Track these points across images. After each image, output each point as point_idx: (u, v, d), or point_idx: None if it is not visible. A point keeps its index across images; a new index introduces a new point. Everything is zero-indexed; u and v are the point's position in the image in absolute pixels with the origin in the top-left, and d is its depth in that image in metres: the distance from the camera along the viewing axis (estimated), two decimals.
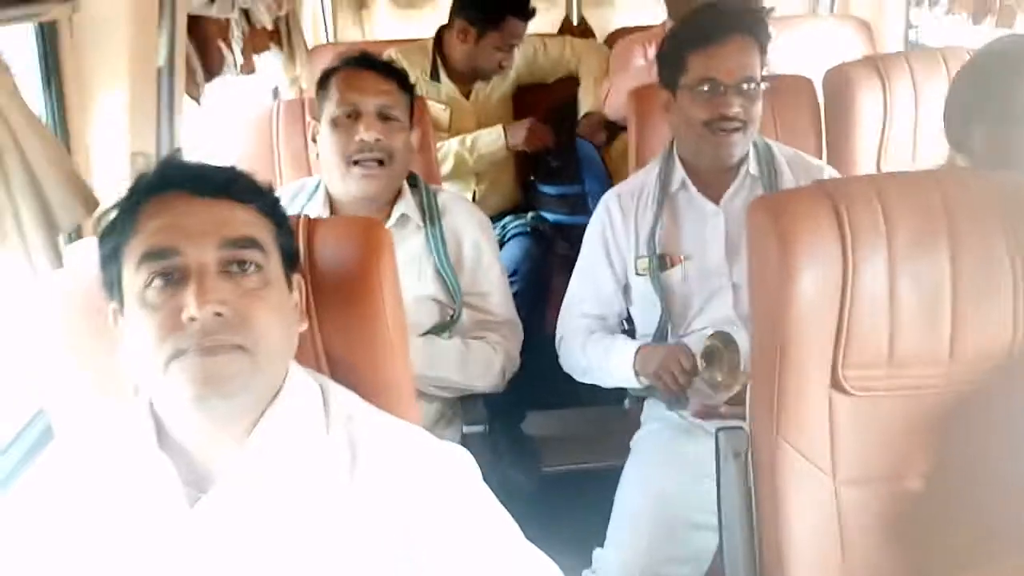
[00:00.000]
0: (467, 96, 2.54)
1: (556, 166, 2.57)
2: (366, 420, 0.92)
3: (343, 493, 0.86)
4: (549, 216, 2.50)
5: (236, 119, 1.99)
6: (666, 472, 1.53)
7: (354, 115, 1.53)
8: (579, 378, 1.73)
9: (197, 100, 1.67)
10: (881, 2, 2.68)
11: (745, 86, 1.53)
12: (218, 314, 0.80)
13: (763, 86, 1.56)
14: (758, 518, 1.17)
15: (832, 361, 1.11)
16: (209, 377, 0.79)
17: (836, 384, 1.12)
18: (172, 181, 0.86)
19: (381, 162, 1.53)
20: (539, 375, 1.81)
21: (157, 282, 0.81)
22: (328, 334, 1.04)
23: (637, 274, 1.65)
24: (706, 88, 1.54)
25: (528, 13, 2.47)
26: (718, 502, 1.24)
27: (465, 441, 1.67)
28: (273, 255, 0.88)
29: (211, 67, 1.73)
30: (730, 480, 1.19)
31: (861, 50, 2.61)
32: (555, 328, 1.78)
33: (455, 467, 0.91)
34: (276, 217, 0.91)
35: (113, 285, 0.86)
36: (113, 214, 0.87)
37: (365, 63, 1.59)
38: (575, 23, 3.35)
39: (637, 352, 1.58)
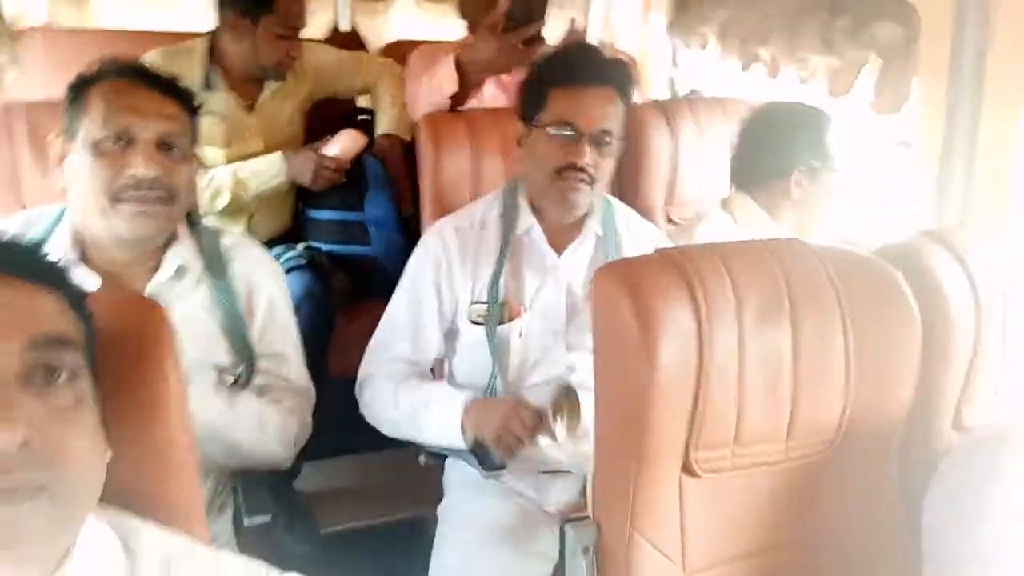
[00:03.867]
0: (250, 108, 2.21)
1: (339, 185, 2.31)
2: (191, 561, 0.72)
3: None
4: (322, 246, 2.25)
5: None
6: (485, 546, 1.40)
7: (125, 141, 1.23)
8: (386, 432, 1.55)
9: None
10: (645, 40, 2.78)
11: (602, 138, 1.45)
12: (26, 444, 0.58)
13: (615, 143, 1.49)
14: None
15: (685, 443, 1.04)
16: (3, 538, 0.57)
17: (687, 468, 1.05)
18: None
19: (160, 199, 1.24)
20: (315, 423, 1.59)
21: None
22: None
23: (471, 321, 1.49)
24: (562, 131, 1.44)
25: None
26: None
27: (244, 534, 1.41)
28: (86, 360, 0.67)
29: None
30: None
31: None
32: (337, 370, 1.58)
33: None
34: (83, 309, 0.69)
35: None
36: None
37: (142, 75, 1.28)
38: (344, 31, 3.07)
39: (467, 408, 1.43)
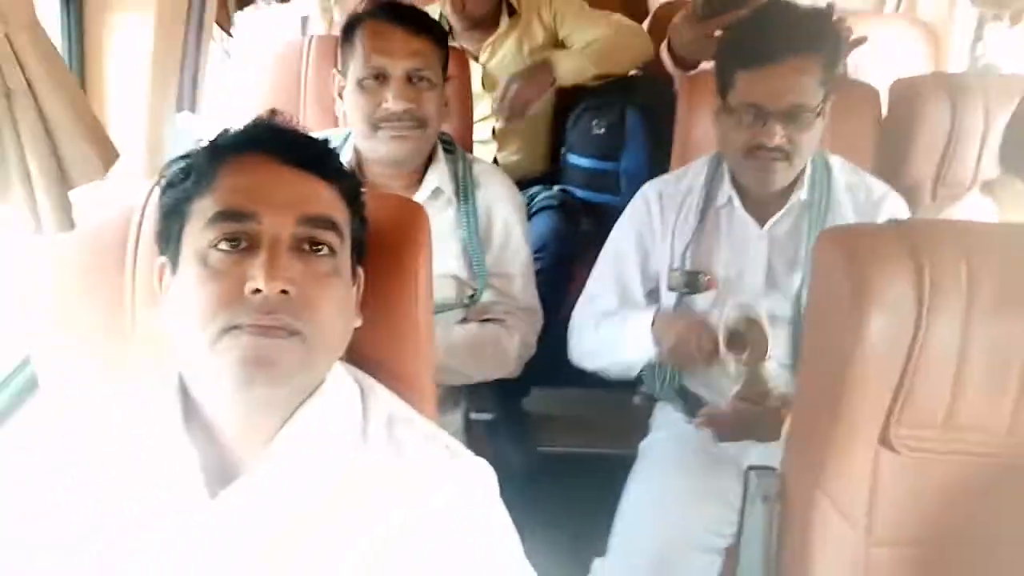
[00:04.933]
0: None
1: (599, 134, 2.42)
2: (409, 425, 0.86)
3: (372, 499, 0.80)
4: (576, 191, 2.39)
5: (263, 53, 1.86)
6: (673, 488, 1.45)
7: (381, 78, 1.40)
8: (588, 367, 1.62)
9: (227, 31, 1.54)
10: (951, 8, 2.54)
11: (794, 113, 1.35)
12: (284, 292, 0.73)
13: (821, 110, 1.38)
14: (780, 566, 1.11)
15: (886, 416, 1.03)
16: (260, 359, 0.73)
17: (885, 440, 1.04)
18: (260, 143, 0.80)
19: (411, 126, 1.42)
20: (548, 353, 1.73)
21: (224, 245, 0.75)
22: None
23: (669, 288, 1.53)
24: (749, 113, 1.37)
25: None
26: (737, 541, 1.18)
27: (470, 427, 1.61)
28: (347, 242, 0.82)
29: None
30: (755, 523, 1.13)
31: (924, 55, 2.49)
32: (572, 310, 1.68)
33: (479, 485, 0.86)
34: (355, 203, 0.85)
35: (170, 240, 0.80)
36: (183, 163, 0.81)
37: (393, 15, 1.43)
38: None
39: (655, 318, 1.47)
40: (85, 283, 0.93)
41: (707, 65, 2.04)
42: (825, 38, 1.38)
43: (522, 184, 2.31)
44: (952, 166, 1.85)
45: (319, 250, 0.78)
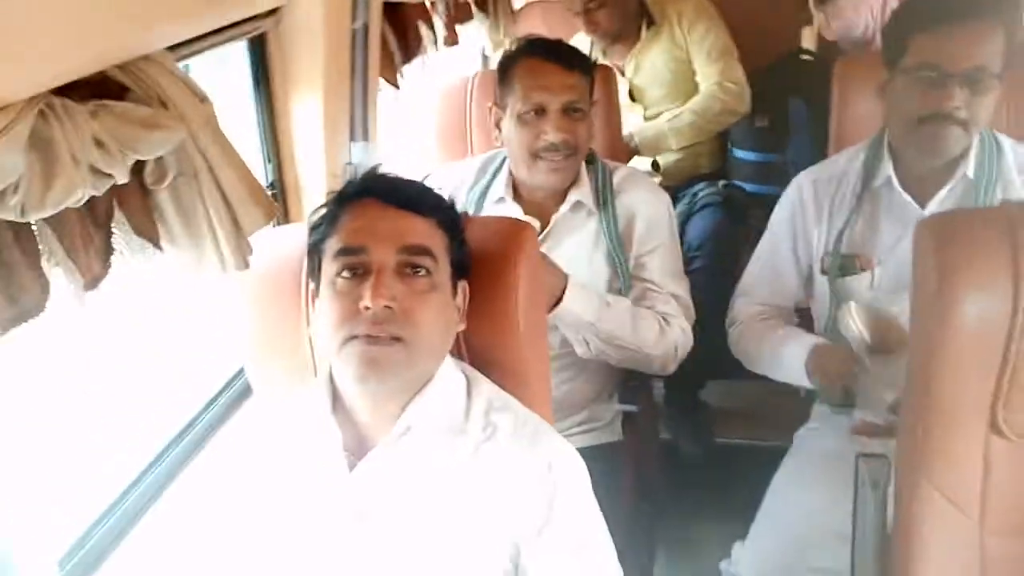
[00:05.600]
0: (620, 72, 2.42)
1: (761, 128, 2.43)
2: (504, 411, 1.02)
3: (471, 473, 0.98)
4: (745, 185, 2.40)
5: (434, 91, 2.12)
6: (819, 478, 1.47)
7: (539, 111, 1.54)
8: (748, 367, 1.68)
9: (395, 84, 1.80)
10: None
11: (975, 76, 1.32)
12: (388, 307, 0.93)
13: (1000, 77, 1.33)
14: (892, 553, 1.12)
15: (992, 403, 1.01)
16: (371, 361, 0.93)
17: (995, 427, 1.02)
18: (370, 190, 1.01)
19: (567, 156, 1.55)
20: (723, 346, 1.78)
21: (346, 273, 0.96)
22: (471, 328, 1.12)
23: (822, 272, 1.54)
24: (926, 75, 1.34)
25: None
26: (852, 529, 1.19)
27: (621, 420, 1.73)
28: (443, 262, 1.00)
29: (410, 49, 1.85)
30: (866, 510, 1.15)
31: None
32: None
33: (569, 473, 0.99)
34: (451, 230, 1.03)
35: (314, 270, 1.03)
36: (323, 211, 1.04)
37: (548, 53, 1.56)
38: None
39: (811, 351, 1.48)
40: (274, 304, 1.20)
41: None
42: (1005, 4, 1.36)
43: (691, 182, 2.39)
44: None
45: (418, 271, 0.97)
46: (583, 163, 1.63)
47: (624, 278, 1.60)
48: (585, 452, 1.57)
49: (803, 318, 1.71)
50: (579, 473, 1.00)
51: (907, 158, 1.47)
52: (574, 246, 1.60)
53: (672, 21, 2.38)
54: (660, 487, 1.92)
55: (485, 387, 1.05)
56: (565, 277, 1.48)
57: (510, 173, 1.65)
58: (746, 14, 2.52)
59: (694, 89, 2.40)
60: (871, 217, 1.51)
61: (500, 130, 1.62)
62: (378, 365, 0.93)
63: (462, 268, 1.05)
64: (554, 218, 1.61)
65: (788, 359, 1.52)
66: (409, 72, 1.91)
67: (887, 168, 1.49)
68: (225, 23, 1.16)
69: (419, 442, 0.99)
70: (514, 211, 1.60)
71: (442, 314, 0.99)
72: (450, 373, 1.03)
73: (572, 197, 1.61)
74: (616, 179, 1.65)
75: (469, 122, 2.06)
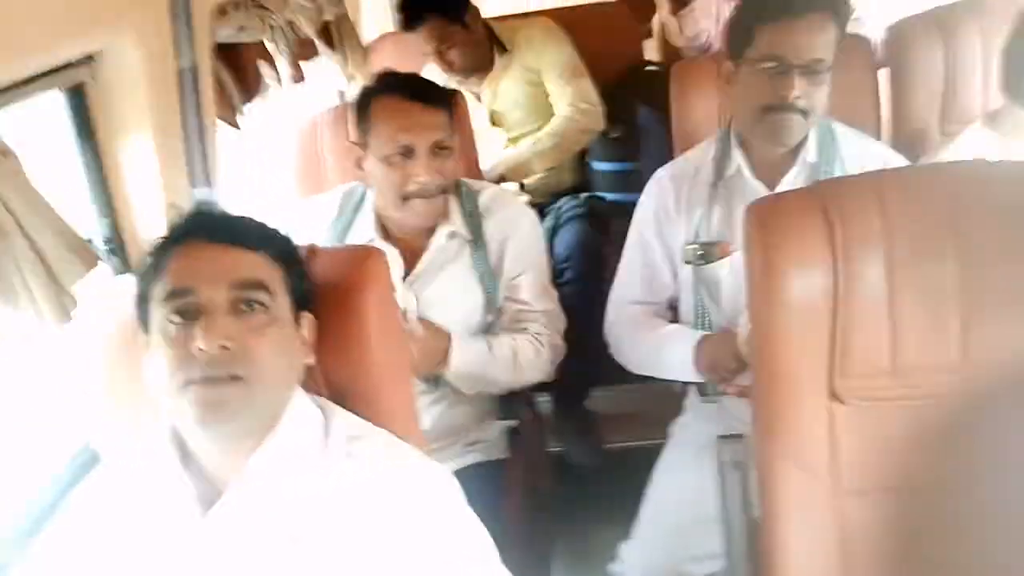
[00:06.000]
0: (477, 98, 2.47)
1: (615, 139, 2.50)
2: (364, 439, 0.99)
3: (337, 506, 0.94)
4: (607, 196, 2.47)
5: (285, 131, 2.09)
6: (693, 467, 1.51)
7: (406, 153, 1.49)
8: (631, 369, 1.69)
9: (235, 124, 1.75)
10: None
11: (813, 68, 1.41)
12: (224, 348, 0.89)
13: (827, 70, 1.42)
14: (759, 527, 1.16)
15: (829, 372, 1.07)
16: (211, 404, 0.89)
17: (834, 395, 1.08)
18: (194, 230, 0.97)
19: (439, 193, 1.53)
20: (601, 355, 1.81)
21: (176, 318, 0.92)
22: (327, 362, 1.09)
23: (685, 262, 1.59)
24: (770, 66, 1.42)
25: None
26: (720, 509, 1.23)
27: (502, 438, 1.73)
28: (280, 296, 0.97)
29: (250, 88, 1.82)
30: (731, 489, 1.19)
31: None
32: None
33: (437, 491, 0.97)
34: (286, 262, 0.99)
35: (145, 321, 0.97)
36: (149, 260, 0.98)
37: (409, 92, 1.51)
38: None
39: (696, 344, 1.52)
40: (119, 359, 1.14)
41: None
42: (842, 3, 1.45)
43: (555, 198, 2.44)
44: (955, 102, 1.80)
45: (253, 307, 0.93)
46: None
47: (495, 303, 1.60)
48: (472, 470, 1.58)
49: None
50: (454, 490, 0.98)
51: (755, 147, 1.55)
52: (448, 278, 1.59)
53: (522, 47, 2.43)
54: (552, 499, 1.93)
55: (342, 418, 1.02)
56: (448, 337, 1.48)
57: (377, 212, 1.61)
58: (590, 34, 2.61)
59: (550, 109, 2.46)
60: (727, 205, 1.57)
61: (362, 169, 1.57)
62: (219, 407, 0.90)
63: (304, 300, 1.03)
64: (426, 255, 1.58)
65: (673, 356, 1.55)
66: (258, 110, 1.87)
67: (737, 157, 1.56)
68: (31, 73, 1.10)
69: (275, 482, 0.95)
70: (386, 251, 1.57)
71: (284, 348, 0.96)
72: (303, 408, 1.00)
73: (444, 230, 1.58)
74: (482, 202, 1.63)
75: (323, 158, 2.03)
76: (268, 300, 0.95)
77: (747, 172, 1.55)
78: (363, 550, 0.93)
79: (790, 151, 1.52)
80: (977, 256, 1.02)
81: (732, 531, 1.19)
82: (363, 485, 0.95)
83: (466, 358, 1.51)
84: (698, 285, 1.58)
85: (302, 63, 2.15)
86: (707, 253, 1.56)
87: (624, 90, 2.53)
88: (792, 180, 1.52)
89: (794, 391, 1.09)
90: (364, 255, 1.17)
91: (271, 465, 0.95)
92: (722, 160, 1.58)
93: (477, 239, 1.60)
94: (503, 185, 2.29)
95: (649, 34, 2.89)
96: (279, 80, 1.99)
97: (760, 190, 1.54)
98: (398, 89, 1.52)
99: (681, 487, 1.51)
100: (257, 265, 0.96)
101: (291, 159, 2.05)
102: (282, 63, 2.02)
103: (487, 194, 1.66)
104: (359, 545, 0.93)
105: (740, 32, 1.49)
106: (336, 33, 2.41)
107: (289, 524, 0.94)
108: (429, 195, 1.51)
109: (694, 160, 1.64)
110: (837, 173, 1.51)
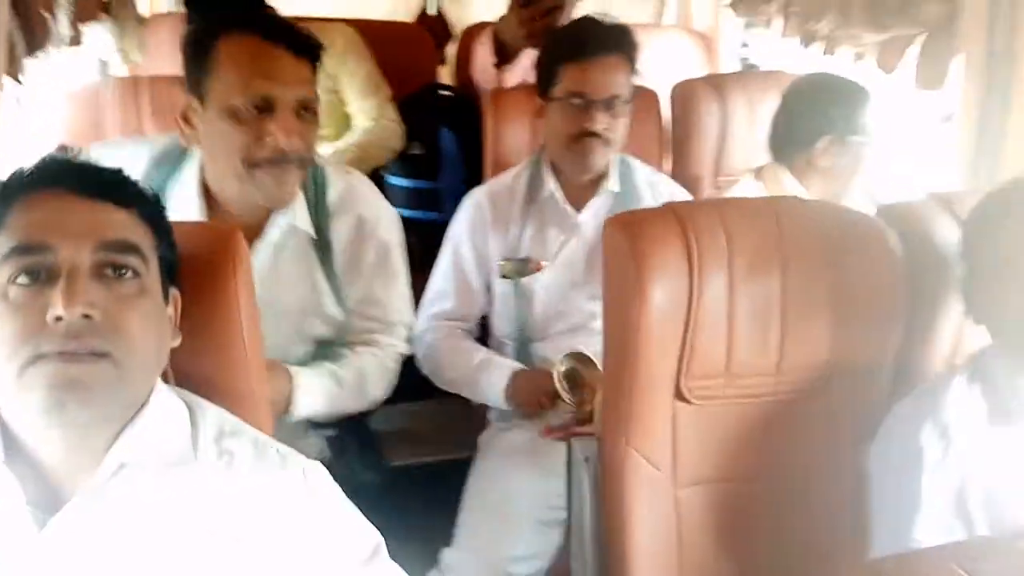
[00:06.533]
0: None
1: (414, 156, 2.51)
2: (238, 435, 0.89)
3: (210, 512, 0.83)
4: (403, 212, 2.46)
5: (61, 97, 1.82)
6: (513, 470, 1.57)
7: (264, 108, 1.20)
8: (439, 384, 1.73)
9: (16, 78, 1.50)
10: (718, 19, 2.86)
11: (612, 103, 1.59)
12: (87, 316, 0.75)
13: (629, 102, 1.63)
14: (605, 519, 1.23)
15: (676, 373, 1.18)
16: (70, 383, 0.75)
17: (679, 394, 1.20)
18: (51, 178, 0.82)
19: (297, 165, 1.25)
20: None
21: (23, 279, 0.77)
22: (184, 348, 0.95)
23: (502, 276, 1.68)
24: (574, 102, 1.59)
25: None
26: (568, 505, 1.29)
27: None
28: (152, 263, 0.84)
29: (34, 39, 1.56)
30: (580, 484, 1.25)
31: (701, 62, 2.78)
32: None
33: (314, 486, 0.89)
34: (158, 225, 0.87)
35: None
36: None
37: (277, 33, 1.21)
38: (431, 14, 3.28)
39: (510, 378, 1.60)
40: None
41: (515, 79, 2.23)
42: (628, 42, 1.65)
43: None
44: (726, 156, 2.10)
45: (123, 273, 0.80)
46: None
47: (340, 315, 1.42)
48: None
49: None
50: (335, 488, 0.91)
51: (564, 173, 1.70)
52: (285, 279, 1.36)
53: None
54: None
55: (211, 411, 0.91)
56: (289, 377, 1.30)
57: (203, 183, 1.30)
58: (386, 49, 2.62)
59: (344, 119, 2.42)
60: (539, 225, 1.71)
61: (188, 124, 1.26)
62: (76, 389, 0.75)
63: (172, 273, 0.90)
64: (260, 248, 1.31)
65: (486, 386, 1.63)
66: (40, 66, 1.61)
67: (550, 183, 1.70)
68: None
69: (137, 482, 0.81)
70: None
71: (155, 324, 0.84)
72: (167, 397, 0.88)
73: (281, 221, 1.31)
74: (333, 196, 1.38)
75: (106, 133, 1.80)
76: (141, 266, 0.82)
77: (559, 196, 1.69)
78: (242, 560, 0.83)
79: (594, 180, 1.68)
80: (794, 276, 1.20)
81: (580, 522, 1.25)
82: (239, 487, 0.85)
83: (310, 400, 1.33)
84: (513, 298, 1.66)
85: (83, 26, 1.89)
86: (521, 268, 1.67)
87: (419, 109, 2.56)
88: (599, 205, 1.69)
89: (647, 391, 1.18)
90: (227, 233, 1.06)
91: (136, 459, 0.82)
92: (535, 184, 1.72)
93: (323, 239, 1.36)
94: None
95: (443, 62, 2.96)
96: (61, 36, 1.74)
97: (571, 213, 1.70)
98: (258, 27, 1.22)
99: (499, 491, 1.56)
100: (129, 225, 0.83)
101: (66, 129, 1.79)
102: (63, 19, 1.76)
103: (342, 186, 1.40)
104: (237, 555, 0.82)
105: (546, 72, 1.66)
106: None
107: (153, 534, 0.81)
108: (284, 167, 1.22)
109: (508, 182, 1.76)
110: (636, 202, 1.70)
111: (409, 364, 1.77)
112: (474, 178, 2.30)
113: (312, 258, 1.38)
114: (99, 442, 0.81)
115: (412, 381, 1.82)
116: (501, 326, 1.73)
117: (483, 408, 1.80)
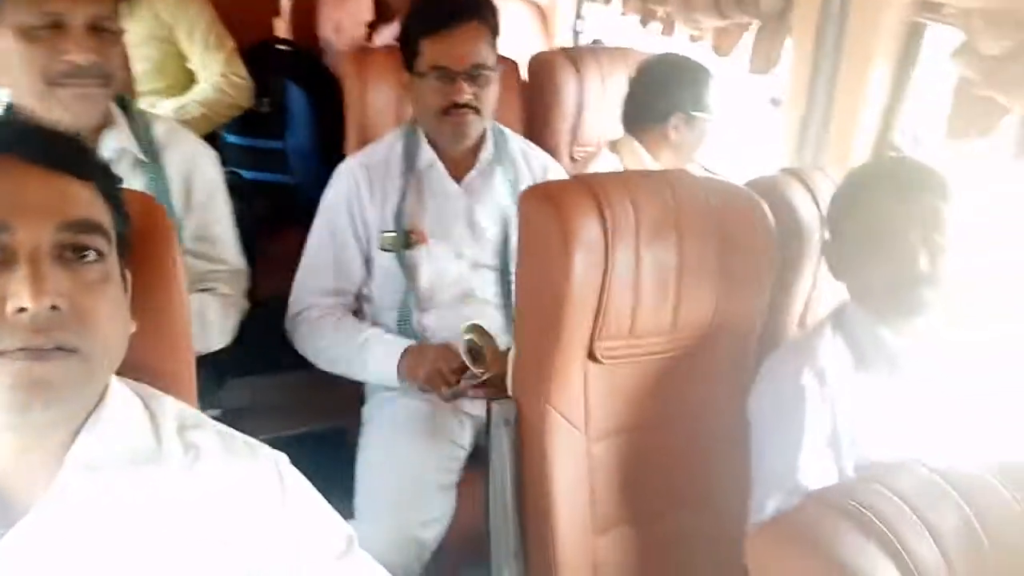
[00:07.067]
0: None
1: (264, 113, 2.37)
2: (200, 428, 0.84)
3: (181, 508, 0.78)
4: (243, 172, 2.33)
5: None
6: (408, 438, 1.58)
7: (56, 27, 1.23)
8: (321, 366, 1.68)
9: None
10: None
11: (476, 72, 1.58)
12: (55, 308, 0.68)
13: (495, 70, 1.62)
14: (524, 475, 1.30)
15: (590, 336, 1.27)
16: (36, 384, 0.67)
17: (591, 355, 1.28)
18: (2, 144, 0.72)
19: (97, 83, 1.28)
20: (243, 342, 1.71)
21: None
22: None
23: (383, 249, 1.64)
24: (437, 76, 1.57)
25: None
26: (488, 465, 1.34)
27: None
28: (113, 244, 0.77)
29: None
30: (500, 444, 1.30)
31: (537, 32, 2.88)
32: (262, 292, 1.69)
33: (298, 476, 0.87)
34: (115, 199, 0.79)
35: None
36: None
37: None
38: None
39: (404, 354, 1.58)
40: None
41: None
42: (487, 8, 1.62)
43: None
44: (583, 128, 2.20)
45: (85, 256, 0.73)
46: (114, 105, 1.38)
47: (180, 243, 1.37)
48: None
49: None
50: (303, 479, 0.88)
51: (441, 144, 1.68)
52: None
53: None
54: None
55: (167, 402, 0.84)
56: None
57: (9, 107, 1.29)
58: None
59: (183, 73, 2.23)
60: (418, 195, 1.68)
61: None
62: (46, 387, 0.68)
63: (125, 252, 0.82)
64: None
65: (375, 364, 1.60)
66: None
67: (429, 152, 1.68)
68: None
69: (101, 483, 0.74)
70: None
71: (119, 313, 0.76)
72: (120, 393, 0.80)
73: (109, 143, 1.35)
74: (159, 130, 1.44)
75: None
76: (105, 248, 0.75)
77: (440, 167, 1.68)
78: (219, 560, 0.79)
79: (471, 149, 1.70)
80: (687, 245, 1.31)
81: (501, 485, 1.30)
82: (210, 483, 0.80)
83: None
84: (397, 270, 1.65)
85: None
86: (404, 240, 1.65)
87: (260, 65, 2.42)
88: (476, 174, 1.71)
89: (564, 354, 1.25)
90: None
91: (96, 464, 0.75)
92: (411, 153, 1.69)
93: (155, 166, 1.39)
94: None
95: (278, 13, 2.80)
96: None
97: (451, 184, 1.69)
98: None
99: (396, 460, 1.56)
100: (90, 201, 0.76)
101: None
102: None
103: (163, 124, 1.48)
104: (214, 555, 0.79)
105: (409, 47, 1.63)
106: None
107: (123, 538, 0.75)
108: (84, 82, 1.26)
109: (383, 151, 1.72)
110: (512, 170, 1.74)
111: (260, 337, 1.70)
112: (326, 140, 2.23)
113: (147, 188, 1.37)
114: (55, 442, 0.74)
115: (266, 353, 1.75)
116: (383, 298, 1.70)
117: (352, 386, 1.76)
